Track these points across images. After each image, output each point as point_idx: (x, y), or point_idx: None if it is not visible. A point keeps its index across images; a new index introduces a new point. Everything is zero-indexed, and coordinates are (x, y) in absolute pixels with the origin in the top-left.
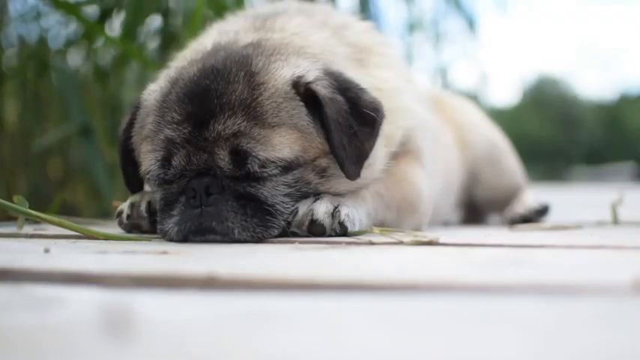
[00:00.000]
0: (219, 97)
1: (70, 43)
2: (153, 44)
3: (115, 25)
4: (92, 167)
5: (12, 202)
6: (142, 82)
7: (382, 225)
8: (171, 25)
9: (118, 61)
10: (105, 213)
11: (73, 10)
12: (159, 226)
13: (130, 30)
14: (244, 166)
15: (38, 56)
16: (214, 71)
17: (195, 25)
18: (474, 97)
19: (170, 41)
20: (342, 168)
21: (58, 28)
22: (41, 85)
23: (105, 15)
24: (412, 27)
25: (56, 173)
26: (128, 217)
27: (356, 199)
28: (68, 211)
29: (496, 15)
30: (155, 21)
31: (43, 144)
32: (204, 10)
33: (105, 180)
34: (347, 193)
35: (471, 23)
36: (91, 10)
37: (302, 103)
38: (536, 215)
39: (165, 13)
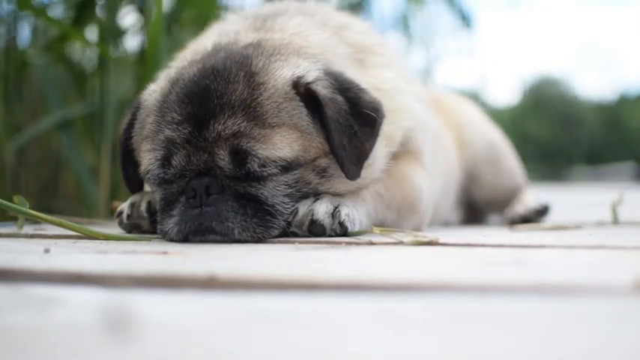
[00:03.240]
0: (219, 97)
1: (48, 44)
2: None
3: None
4: (73, 160)
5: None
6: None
7: (382, 225)
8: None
9: (98, 63)
10: (91, 212)
11: (41, 13)
12: (159, 226)
13: (110, 31)
14: (244, 165)
15: (16, 56)
16: (214, 71)
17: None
18: (473, 96)
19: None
20: (342, 168)
21: (37, 28)
22: (23, 84)
23: (81, 13)
24: (405, 23)
25: (47, 173)
26: (128, 217)
27: (356, 199)
28: (59, 210)
29: (501, 11)
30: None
31: (22, 140)
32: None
33: (86, 172)
34: (347, 193)
35: (464, 17)
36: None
37: (302, 104)
38: (536, 215)
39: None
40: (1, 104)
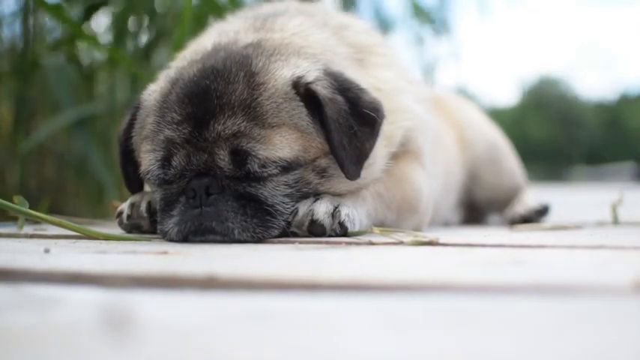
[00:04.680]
0: (219, 97)
1: (57, 44)
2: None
3: (100, 24)
4: (89, 158)
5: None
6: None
7: (382, 225)
8: (158, 26)
9: (105, 64)
10: (104, 213)
11: (56, 11)
12: (159, 227)
13: (120, 32)
14: (244, 166)
15: (28, 55)
16: (214, 71)
17: (184, 25)
18: (471, 97)
19: (156, 42)
20: (342, 168)
21: (48, 26)
22: (31, 84)
23: (90, 13)
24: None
25: (50, 173)
26: (128, 217)
27: (356, 199)
28: (62, 211)
29: (501, 11)
30: (142, 22)
31: (35, 139)
32: (197, 10)
33: (104, 169)
34: (347, 193)
35: (439, 23)
36: (75, 12)
37: (302, 104)
38: (536, 215)
39: (152, 14)
40: (11, 104)
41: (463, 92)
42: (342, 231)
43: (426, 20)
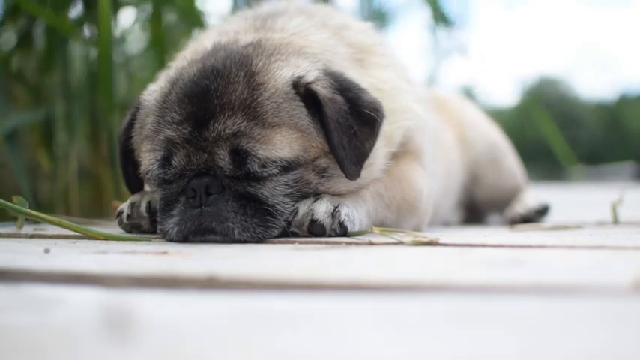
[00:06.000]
0: (219, 97)
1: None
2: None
3: None
4: (16, 170)
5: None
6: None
7: (382, 225)
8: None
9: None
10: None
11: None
12: (159, 227)
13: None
14: (244, 165)
15: None
16: (214, 71)
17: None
18: (470, 96)
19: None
20: (342, 168)
21: None
22: None
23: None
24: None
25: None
26: (128, 217)
27: (356, 199)
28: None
29: (502, 11)
30: None
31: None
32: None
33: (26, 185)
34: (347, 193)
35: (443, 16)
36: None
37: (302, 103)
38: (536, 215)
39: None
40: None
41: (469, 92)
42: (342, 231)
43: (445, 23)
